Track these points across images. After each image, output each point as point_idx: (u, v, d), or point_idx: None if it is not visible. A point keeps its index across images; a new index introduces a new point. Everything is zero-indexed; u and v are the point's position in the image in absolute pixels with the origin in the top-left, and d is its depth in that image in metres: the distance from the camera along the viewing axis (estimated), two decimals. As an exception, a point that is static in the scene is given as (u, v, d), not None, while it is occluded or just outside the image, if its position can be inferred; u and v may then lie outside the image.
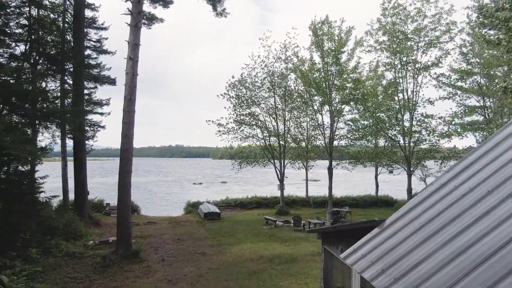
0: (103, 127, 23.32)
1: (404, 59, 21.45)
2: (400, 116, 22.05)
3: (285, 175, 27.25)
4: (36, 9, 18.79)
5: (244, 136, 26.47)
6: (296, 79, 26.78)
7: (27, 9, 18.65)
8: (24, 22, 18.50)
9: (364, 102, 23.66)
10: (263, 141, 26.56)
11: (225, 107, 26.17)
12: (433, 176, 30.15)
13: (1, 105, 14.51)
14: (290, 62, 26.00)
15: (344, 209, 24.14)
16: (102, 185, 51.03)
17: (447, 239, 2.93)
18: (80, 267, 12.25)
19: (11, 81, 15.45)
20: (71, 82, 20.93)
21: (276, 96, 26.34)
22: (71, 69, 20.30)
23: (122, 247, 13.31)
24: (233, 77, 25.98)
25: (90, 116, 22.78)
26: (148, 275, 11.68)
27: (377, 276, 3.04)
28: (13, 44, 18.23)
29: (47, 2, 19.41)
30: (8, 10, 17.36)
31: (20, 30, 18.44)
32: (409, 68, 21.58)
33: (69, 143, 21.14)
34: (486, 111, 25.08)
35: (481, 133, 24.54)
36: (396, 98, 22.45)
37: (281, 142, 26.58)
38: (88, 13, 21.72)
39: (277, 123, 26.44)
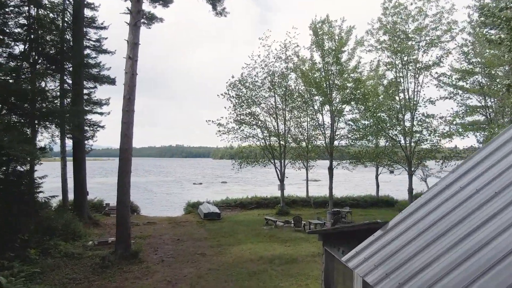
0: (102, 127, 23.25)
1: (405, 58, 21.34)
2: (401, 116, 21.95)
3: (286, 175, 27.16)
4: (35, 8, 18.71)
5: (244, 136, 26.40)
6: (297, 79, 26.70)
7: (26, 8, 18.58)
8: (23, 21, 18.43)
9: (364, 102, 23.55)
10: (263, 141, 26.48)
11: (225, 107, 26.12)
12: (434, 176, 30.07)
13: (0, 105, 14.43)
14: (290, 61, 25.93)
15: (345, 210, 24.04)
16: (102, 185, 50.95)
17: (454, 242, 2.82)
18: (79, 268, 12.16)
19: (10, 80, 15.37)
20: (70, 81, 20.85)
21: (276, 95, 26.26)
22: (71, 69, 20.22)
23: (121, 247, 13.23)
24: (233, 76, 25.93)
25: (89, 116, 22.74)
26: (147, 276, 11.60)
27: (381, 281, 2.94)
28: (12, 43, 18.17)
29: (46, 1, 19.32)
30: (7, 10, 17.29)
31: (19, 30, 18.36)
32: (410, 67, 21.47)
33: (69, 143, 21.08)
34: (487, 111, 24.97)
35: (482, 133, 24.43)
36: (397, 98, 22.34)
37: (281, 142, 26.49)
38: (87, 12, 21.65)
39: (277, 123, 26.36)
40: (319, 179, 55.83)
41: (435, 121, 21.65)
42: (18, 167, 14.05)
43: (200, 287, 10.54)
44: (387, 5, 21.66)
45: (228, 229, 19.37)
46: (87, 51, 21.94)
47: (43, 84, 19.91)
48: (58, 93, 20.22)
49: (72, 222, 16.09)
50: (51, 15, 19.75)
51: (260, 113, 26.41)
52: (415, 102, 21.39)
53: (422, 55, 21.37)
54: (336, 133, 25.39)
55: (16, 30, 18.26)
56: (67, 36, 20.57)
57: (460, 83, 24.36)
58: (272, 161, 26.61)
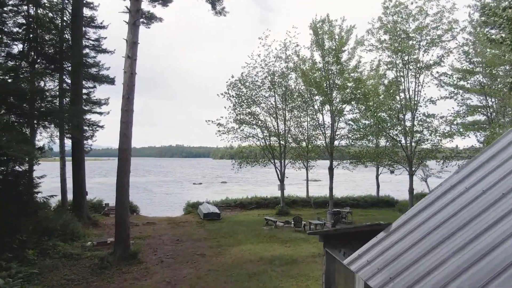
0: (101, 126, 23.16)
1: (406, 58, 21.23)
2: (401, 116, 21.84)
3: (286, 175, 27.07)
4: (34, 7, 18.63)
5: (244, 136, 26.31)
6: (297, 79, 26.60)
7: (25, 7, 18.50)
8: (22, 20, 18.35)
9: (365, 102, 23.44)
10: (263, 141, 26.39)
11: (225, 107, 26.02)
12: (434, 176, 30.01)
13: (-2, 105, 14.34)
14: (290, 61, 25.83)
15: (345, 210, 23.96)
16: (102, 185, 50.83)
17: (460, 245, 2.72)
18: (77, 269, 12.06)
19: (9, 80, 15.27)
20: (69, 81, 20.76)
21: (276, 95, 26.17)
22: (70, 68, 20.13)
23: (120, 248, 13.13)
24: (232, 76, 25.82)
25: (88, 116, 22.65)
26: (146, 277, 11.50)
27: (385, 285, 2.84)
28: (11, 43, 18.09)
29: (45, 1, 19.24)
30: (5, 9, 17.21)
31: (17, 29, 18.28)
32: (411, 67, 21.36)
33: (68, 142, 20.98)
34: (488, 110, 24.88)
35: (483, 133, 24.34)
36: (398, 97, 22.24)
37: (281, 142, 26.39)
38: (86, 12, 21.56)
39: (277, 123, 26.27)
40: (320, 179, 55.75)
41: (436, 121, 21.55)
42: (17, 167, 13.97)
43: (199, 288, 10.45)
44: (388, 5, 21.54)
45: (227, 230, 19.27)
46: (86, 50, 21.85)
47: (42, 83, 19.85)
48: (57, 93, 20.14)
49: (70, 223, 16.00)
50: (50, 14, 19.66)
51: (260, 113, 26.35)
52: (415, 102, 21.28)
53: (423, 54, 21.25)
54: (337, 133, 25.29)
55: (14, 30, 18.20)
56: (66, 35, 20.48)
57: (461, 82, 24.28)
58: (272, 161, 26.52)
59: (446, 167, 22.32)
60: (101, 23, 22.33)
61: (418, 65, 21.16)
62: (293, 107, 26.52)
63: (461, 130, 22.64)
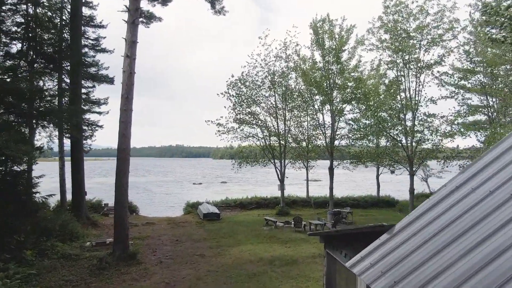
0: (101, 126, 23.05)
1: (406, 57, 21.12)
2: (402, 116, 21.74)
3: (286, 175, 26.97)
4: (33, 6, 18.52)
5: (244, 136, 26.20)
6: (297, 78, 26.50)
7: (24, 6, 18.40)
8: (21, 20, 18.24)
9: (365, 101, 23.33)
10: (263, 140, 26.29)
11: (225, 106, 25.91)
12: (435, 176, 29.92)
13: (-3, 104, 14.25)
14: (290, 60, 25.74)
15: (345, 210, 23.86)
16: (101, 185, 50.71)
17: (468, 248, 2.62)
18: (76, 270, 11.97)
19: (7, 79, 15.18)
20: (68, 80, 20.65)
21: (276, 95, 26.07)
22: (69, 68, 20.03)
23: (119, 248, 13.04)
24: (232, 76, 25.72)
25: (88, 116, 22.54)
26: (145, 277, 11.41)
27: (389, 289, 2.74)
28: (10, 42, 17.98)
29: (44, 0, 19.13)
30: (4, 8, 17.10)
31: (16, 28, 18.17)
32: (412, 66, 21.25)
33: (67, 142, 20.87)
34: (489, 110, 24.79)
35: (483, 132, 24.25)
36: (398, 97, 22.13)
37: (281, 142, 26.30)
38: (86, 11, 21.48)
39: (277, 123, 26.17)
40: (320, 179, 55.67)
41: (437, 121, 21.44)
42: (15, 167, 13.88)
43: (198, 289, 10.35)
44: (388, 4, 21.43)
45: (227, 230, 19.17)
46: (85, 50, 21.76)
47: (41, 83, 19.73)
48: (56, 92, 20.03)
49: (69, 223, 15.90)
50: (49, 13, 19.56)
51: (260, 113, 26.25)
52: (416, 102, 21.18)
53: (424, 54, 21.15)
54: (337, 132, 25.19)
55: (13, 29, 18.09)
56: (65, 34, 20.37)
57: (462, 82, 24.17)
58: (272, 161, 26.42)
59: (447, 167, 22.23)
60: (100, 22, 22.25)
61: (419, 65, 21.06)
62: (293, 107, 26.42)
63: (462, 130, 22.55)
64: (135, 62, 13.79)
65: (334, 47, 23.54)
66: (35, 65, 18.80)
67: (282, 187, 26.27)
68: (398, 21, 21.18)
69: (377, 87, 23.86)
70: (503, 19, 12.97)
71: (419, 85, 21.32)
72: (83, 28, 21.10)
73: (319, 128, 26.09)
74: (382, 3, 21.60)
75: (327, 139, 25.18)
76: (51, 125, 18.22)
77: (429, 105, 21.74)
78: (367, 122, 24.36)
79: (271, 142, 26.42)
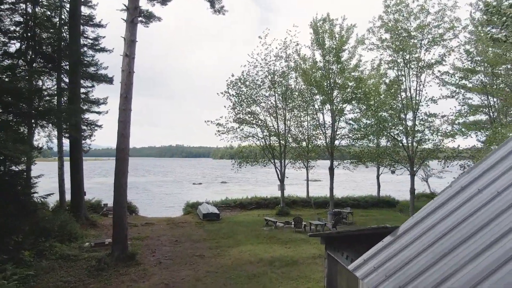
0: (100, 126, 22.95)
1: (407, 57, 21.02)
2: (403, 115, 21.64)
3: (286, 175, 26.86)
4: (31, 5, 18.43)
5: (244, 136, 26.09)
6: (297, 78, 26.40)
7: (23, 5, 18.31)
8: (20, 19, 18.15)
9: (366, 101, 23.23)
10: (263, 140, 26.18)
11: (224, 106, 25.80)
12: (435, 176, 29.84)
13: (-5, 104, 14.13)
14: (291, 60, 25.64)
15: (346, 210, 23.75)
16: (101, 185, 50.59)
17: (477, 252, 2.52)
18: (74, 271, 11.87)
19: (6, 79, 15.07)
20: (67, 80, 20.55)
21: (276, 94, 25.97)
22: (67, 67, 19.92)
23: (118, 249, 12.93)
24: (232, 75, 25.61)
25: (87, 115, 22.44)
26: (144, 278, 11.30)
27: (394, 294, 2.64)
28: (8, 41, 17.88)
29: (43, -1, 19.05)
30: (3, 7, 17.01)
31: (15, 27, 18.08)
32: (412, 66, 21.14)
33: (66, 142, 20.77)
34: (490, 110, 24.70)
35: (484, 132, 24.16)
36: (399, 97, 22.02)
37: (281, 142, 26.19)
38: (85, 10, 21.38)
39: (277, 122, 26.06)
40: (320, 179, 55.58)
41: (438, 121, 21.34)
42: (13, 167, 13.77)
43: (198, 290, 10.25)
44: (389, 3, 21.33)
45: (227, 230, 19.06)
46: (84, 49, 21.66)
47: (39, 82, 19.63)
48: (55, 92, 19.94)
49: (68, 223, 15.78)
50: (47, 12, 19.47)
51: (260, 112, 26.14)
52: (417, 101, 21.07)
53: (424, 53, 21.04)
54: (337, 132, 25.08)
55: (12, 28, 17.99)
56: (64, 34, 20.27)
57: (463, 81, 24.07)
58: (272, 161, 26.32)
59: (448, 167, 22.13)
60: (100, 21, 22.14)
61: (420, 64, 20.96)
62: (293, 107, 26.32)
63: (462, 129, 22.46)
64: (134, 61, 13.70)
65: (334, 46, 23.44)
66: (34, 65, 18.71)
67: (282, 187, 26.17)
68: (399, 20, 21.08)
69: (378, 87, 23.74)
70: (505, 18, 12.88)
71: (420, 84, 21.23)
72: (82, 27, 21.00)
73: (319, 128, 25.99)
74: (382, 2, 21.50)
75: (327, 139, 25.07)
76: (50, 124, 18.11)
77: (430, 104, 21.65)
78: (368, 122, 24.26)
79: (271, 142, 26.31)
